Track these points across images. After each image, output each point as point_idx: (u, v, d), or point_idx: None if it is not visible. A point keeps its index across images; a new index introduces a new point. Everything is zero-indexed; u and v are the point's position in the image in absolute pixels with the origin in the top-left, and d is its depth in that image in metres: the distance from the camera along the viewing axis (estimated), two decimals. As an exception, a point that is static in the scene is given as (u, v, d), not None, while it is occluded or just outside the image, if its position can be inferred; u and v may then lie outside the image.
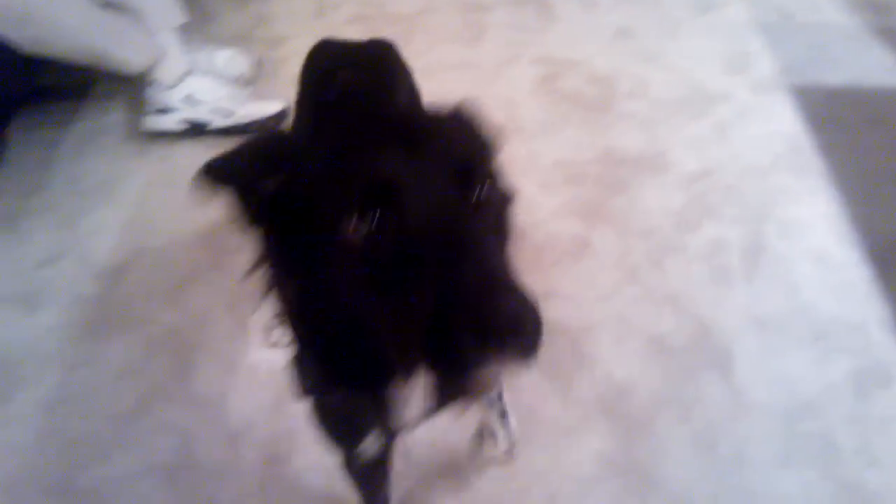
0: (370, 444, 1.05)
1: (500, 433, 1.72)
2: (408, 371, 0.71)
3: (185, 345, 1.96)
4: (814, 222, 2.25)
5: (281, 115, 2.45)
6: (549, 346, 1.83)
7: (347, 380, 0.77)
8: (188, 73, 2.36)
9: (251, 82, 2.64)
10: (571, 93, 2.65)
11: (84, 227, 2.24)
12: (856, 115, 2.54)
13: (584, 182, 2.36)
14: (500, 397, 1.67)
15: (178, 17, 2.36)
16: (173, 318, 2.01)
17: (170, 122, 2.39)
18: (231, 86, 2.46)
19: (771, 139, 2.49)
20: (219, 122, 2.40)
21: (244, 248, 2.12)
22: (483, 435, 1.73)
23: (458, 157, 0.74)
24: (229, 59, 2.56)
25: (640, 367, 1.92)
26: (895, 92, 2.63)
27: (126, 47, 2.20)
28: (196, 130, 2.41)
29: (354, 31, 2.79)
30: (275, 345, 1.77)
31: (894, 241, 2.18)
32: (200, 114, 2.38)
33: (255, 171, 0.77)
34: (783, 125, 2.54)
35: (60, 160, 2.42)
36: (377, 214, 0.68)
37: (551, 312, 2.00)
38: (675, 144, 2.47)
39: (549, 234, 2.22)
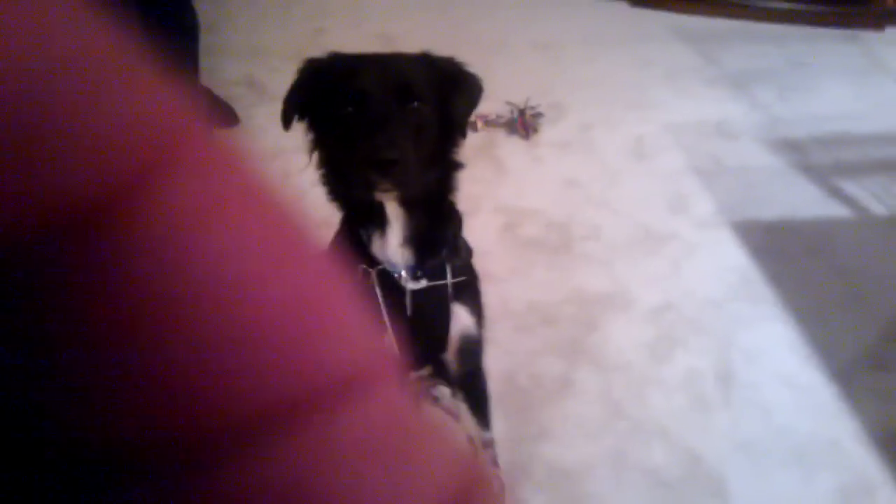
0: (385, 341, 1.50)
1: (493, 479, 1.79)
2: (366, 178, 1.28)
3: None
4: (775, 348, 2.39)
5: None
6: (553, 489, 1.86)
7: (348, 184, 1.38)
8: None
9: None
10: (533, 239, 2.80)
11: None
12: (794, 246, 2.76)
13: (559, 322, 2.46)
14: (491, 443, 1.82)
15: None
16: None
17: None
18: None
19: (722, 273, 2.67)
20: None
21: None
22: None
23: (402, 83, 1.33)
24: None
25: (640, 502, 1.96)
26: (824, 222, 2.88)
27: None
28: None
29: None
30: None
31: (851, 361, 2.33)
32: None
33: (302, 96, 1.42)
34: (730, 259, 2.73)
35: None
36: (356, 106, 1.30)
37: (547, 454, 2.06)
38: (634, 282, 2.62)
39: (532, 376, 2.28)
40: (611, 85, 3.71)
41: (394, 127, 1.27)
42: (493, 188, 3.03)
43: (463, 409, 1.78)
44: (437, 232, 1.49)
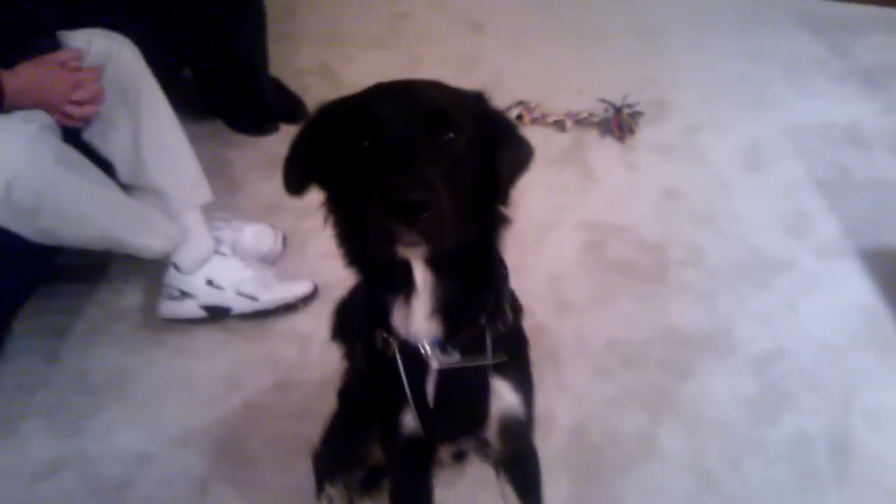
0: (409, 420, 1.25)
1: None
2: (387, 228, 0.97)
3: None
4: (906, 412, 1.99)
5: (310, 297, 2.26)
6: None
7: (366, 240, 1.05)
8: (211, 254, 2.19)
9: (278, 258, 2.45)
10: (621, 262, 2.45)
11: (89, 430, 2.00)
12: (936, 284, 2.31)
13: (644, 366, 2.12)
14: None
15: (203, 195, 2.20)
16: (184, 546, 1.75)
17: (189, 309, 2.19)
18: (256, 266, 2.27)
19: (845, 312, 2.26)
20: (242, 307, 2.20)
21: (261, 458, 1.87)
22: None
23: (433, 109, 1.05)
24: (256, 236, 2.38)
25: None
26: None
27: (146, 233, 2.03)
28: (217, 316, 2.21)
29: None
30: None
31: None
32: (222, 299, 2.18)
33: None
34: (857, 295, 2.31)
35: (69, 351, 2.20)
36: (372, 139, 1.03)
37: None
38: (739, 320, 2.24)
39: (608, 431, 1.96)
40: (722, 79, 3.26)
41: (422, 162, 0.99)
42: (579, 198, 2.68)
43: (508, 493, 1.48)
44: (474, 297, 1.19)
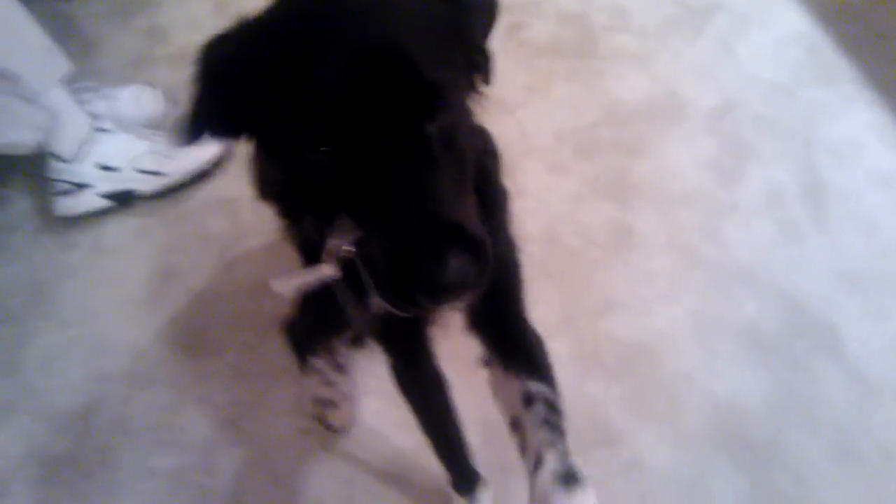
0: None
1: None
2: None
3: (200, 491, 1.55)
4: (864, 137, 1.95)
5: (220, 159, 1.98)
6: (631, 374, 1.49)
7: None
8: (92, 133, 1.85)
9: (167, 119, 2.12)
10: (546, 41, 2.23)
11: (28, 363, 1.76)
12: (868, -3, 2.21)
13: (598, 151, 1.99)
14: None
15: (59, 66, 1.82)
16: (173, 460, 1.59)
17: (88, 201, 1.88)
18: (148, 136, 1.95)
19: (784, 46, 2.16)
20: (148, 186, 1.91)
21: (227, 345, 1.69)
22: None
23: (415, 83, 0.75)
24: (134, 99, 2.04)
25: (740, 372, 1.62)
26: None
27: (10, 128, 1.69)
28: (122, 202, 1.92)
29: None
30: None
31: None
32: (122, 182, 1.88)
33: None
34: (791, 25, 2.20)
35: (-29, 278, 1.90)
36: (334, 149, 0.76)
37: (616, 331, 1.69)
38: (681, 78, 2.11)
39: (580, 229, 1.85)
40: None
41: (433, 197, 0.75)
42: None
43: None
44: None
